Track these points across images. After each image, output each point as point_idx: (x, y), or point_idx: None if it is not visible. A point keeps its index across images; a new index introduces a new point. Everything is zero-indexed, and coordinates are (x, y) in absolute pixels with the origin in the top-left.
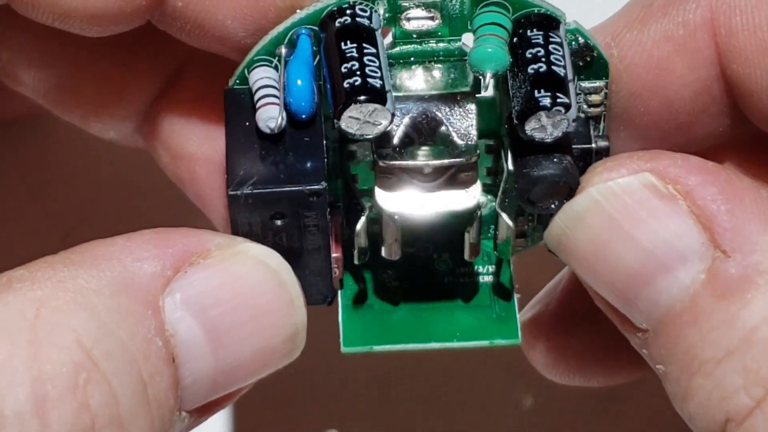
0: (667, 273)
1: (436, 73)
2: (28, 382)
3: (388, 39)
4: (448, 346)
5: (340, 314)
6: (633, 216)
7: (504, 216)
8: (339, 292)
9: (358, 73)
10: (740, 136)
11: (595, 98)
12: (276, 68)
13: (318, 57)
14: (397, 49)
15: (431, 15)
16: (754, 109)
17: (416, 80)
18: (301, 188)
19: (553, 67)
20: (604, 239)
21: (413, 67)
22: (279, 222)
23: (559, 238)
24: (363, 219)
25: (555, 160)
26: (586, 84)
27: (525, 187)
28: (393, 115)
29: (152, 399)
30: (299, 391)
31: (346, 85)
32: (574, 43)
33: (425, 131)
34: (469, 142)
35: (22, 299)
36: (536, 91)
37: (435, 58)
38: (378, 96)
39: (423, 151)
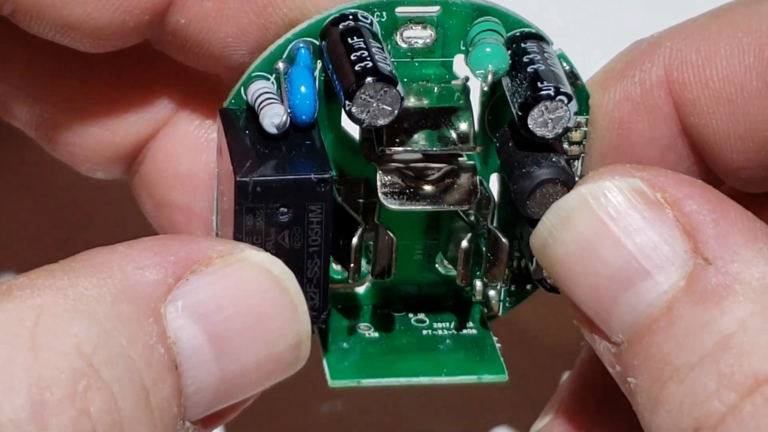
0: (648, 278)
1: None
2: (26, 389)
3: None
4: (437, 381)
5: (325, 346)
6: (620, 218)
7: (498, 234)
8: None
9: (368, 58)
10: None
11: (575, 135)
12: (273, 83)
13: (317, 67)
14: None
15: (427, 34)
16: (716, 160)
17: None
18: (309, 176)
19: (552, 67)
20: (589, 240)
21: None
22: (283, 217)
23: (544, 241)
24: (359, 232)
25: (553, 159)
26: None
27: (524, 186)
28: (403, 99)
29: (155, 406)
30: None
31: (357, 68)
32: None
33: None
34: (470, 141)
35: (21, 307)
36: (539, 83)
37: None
38: (389, 79)
39: (425, 140)
